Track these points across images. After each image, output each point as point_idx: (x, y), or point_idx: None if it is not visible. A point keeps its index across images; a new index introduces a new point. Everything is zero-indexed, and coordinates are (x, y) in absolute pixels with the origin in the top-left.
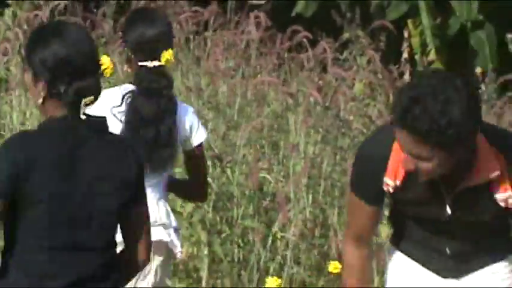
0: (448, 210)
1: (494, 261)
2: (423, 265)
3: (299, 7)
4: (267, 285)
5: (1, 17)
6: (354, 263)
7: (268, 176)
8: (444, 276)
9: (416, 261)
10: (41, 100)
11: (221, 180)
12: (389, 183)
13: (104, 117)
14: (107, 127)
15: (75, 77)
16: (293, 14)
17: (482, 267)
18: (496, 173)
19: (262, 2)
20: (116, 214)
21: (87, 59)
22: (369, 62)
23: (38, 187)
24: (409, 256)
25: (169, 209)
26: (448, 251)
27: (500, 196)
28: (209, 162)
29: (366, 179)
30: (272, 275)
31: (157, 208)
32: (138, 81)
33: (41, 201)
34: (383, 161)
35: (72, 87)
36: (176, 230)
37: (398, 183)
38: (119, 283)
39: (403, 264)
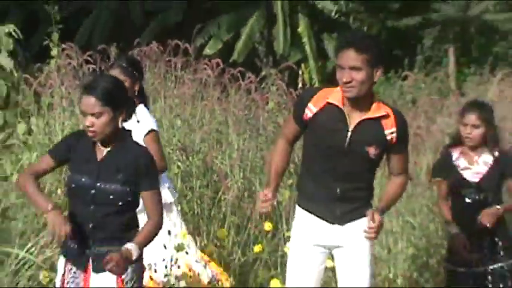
0: (349, 135)
1: (363, 215)
2: (316, 214)
3: (235, 56)
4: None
5: (48, 65)
6: (279, 148)
7: (216, 161)
8: (332, 223)
9: (311, 212)
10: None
11: (186, 163)
12: (312, 108)
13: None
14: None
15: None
16: (230, 60)
17: (356, 217)
18: (385, 113)
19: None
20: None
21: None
22: (278, 88)
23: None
24: (306, 209)
25: None
26: (338, 191)
27: (387, 131)
28: (178, 152)
29: (298, 106)
30: (218, 223)
31: None
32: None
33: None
34: (310, 97)
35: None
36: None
37: (317, 109)
38: None
39: (302, 218)
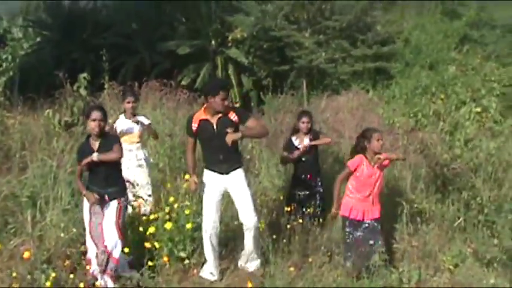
0: (215, 128)
1: (238, 167)
2: (214, 170)
3: (197, 85)
4: None
5: (103, 92)
6: (188, 160)
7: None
8: (222, 173)
9: (212, 170)
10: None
11: (170, 143)
12: (194, 125)
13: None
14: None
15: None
16: (194, 87)
17: (234, 169)
18: (233, 113)
19: (186, 83)
20: None
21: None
22: None
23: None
24: (209, 168)
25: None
26: (220, 156)
27: (232, 116)
28: (168, 137)
29: (187, 127)
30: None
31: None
32: None
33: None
34: (190, 120)
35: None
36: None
37: (197, 125)
38: None
39: (208, 174)
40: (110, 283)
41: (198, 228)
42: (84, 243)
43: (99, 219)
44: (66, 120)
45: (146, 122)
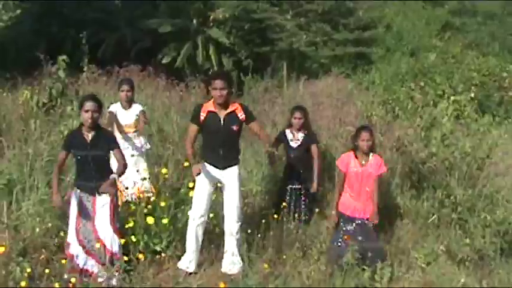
0: (222, 122)
1: (234, 164)
2: (212, 164)
3: (177, 64)
4: None
5: (82, 75)
6: (188, 148)
7: (165, 126)
8: (218, 168)
9: (209, 163)
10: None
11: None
12: (202, 114)
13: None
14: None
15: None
16: (175, 66)
17: (231, 165)
18: (236, 107)
19: (166, 62)
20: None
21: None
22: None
23: None
24: (206, 161)
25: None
26: (221, 152)
27: (239, 114)
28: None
29: (193, 115)
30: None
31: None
32: None
33: None
34: (199, 109)
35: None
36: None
37: (205, 115)
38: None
39: (204, 165)
40: (116, 282)
41: (174, 220)
42: (58, 234)
43: (90, 216)
44: (45, 102)
45: (139, 108)
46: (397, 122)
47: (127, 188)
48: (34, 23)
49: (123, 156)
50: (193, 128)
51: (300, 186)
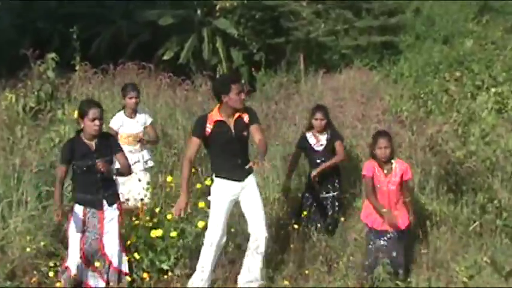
0: (233, 131)
1: (252, 171)
2: (229, 178)
3: (181, 60)
4: None
5: (74, 75)
6: (186, 170)
7: (168, 130)
8: (238, 180)
9: (226, 177)
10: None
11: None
12: (209, 126)
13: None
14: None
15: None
16: (178, 62)
17: (250, 173)
18: (245, 113)
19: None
20: None
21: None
22: (201, 85)
23: None
24: (223, 176)
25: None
26: (239, 161)
27: (245, 118)
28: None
29: (198, 127)
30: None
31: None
32: None
33: None
34: (205, 120)
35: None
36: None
37: (211, 126)
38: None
39: (221, 183)
40: None
41: (182, 235)
42: (53, 255)
43: (96, 233)
44: (32, 106)
45: (149, 120)
46: (431, 118)
47: (127, 200)
48: (15, 18)
49: (127, 159)
50: (196, 142)
51: (328, 195)
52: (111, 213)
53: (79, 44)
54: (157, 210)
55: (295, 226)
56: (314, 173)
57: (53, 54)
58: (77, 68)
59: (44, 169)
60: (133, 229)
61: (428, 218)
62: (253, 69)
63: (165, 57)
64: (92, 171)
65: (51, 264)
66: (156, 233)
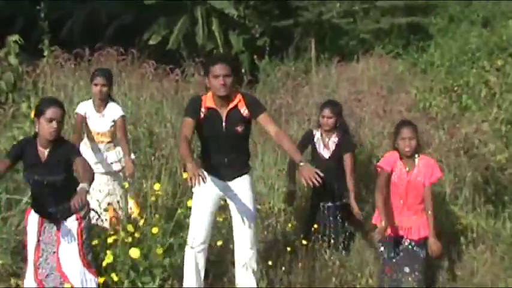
0: (224, 124)
1: (244, 173)
2: (215, 175)
3: (170, 45)
4: None
5: (42, 61)
6: (184, 145)
7: (155, 128)
8: (224, 180)
9: (212, 174)
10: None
11: (133, 134)
12: (203, 110)
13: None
14: None
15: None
16: (167, 48)
17: (240, 175)
18: (238, 99)
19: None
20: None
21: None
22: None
23: None
24: (208, 171)
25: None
26: (226, 160)
27: (242, 109)
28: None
29: (191, 108)
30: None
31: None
32: None
33: None
34: (199, 102)
35: None
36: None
37: (205, 111)
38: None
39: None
40: None
41: (170, 252)
42: (14, 274)
43: (52, 247)
44: None
45: (118, 114)
46: (466, 115)
47: (106, 210)
48: None
49: (88, 164)
50: (189, 122)
51: (334, 204)
52: (69, 223)
53: (48, 25)
54: (141, 223)
55: (304, 242)
56: (357, 213)
57: (15, 37)
58: (46, 53)
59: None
60: (111, 246)
61: (462, 234)
62: (255, 56)
63: (151, 42)
64: (40, 185)
65: (13, 285)
66: (134, 253)
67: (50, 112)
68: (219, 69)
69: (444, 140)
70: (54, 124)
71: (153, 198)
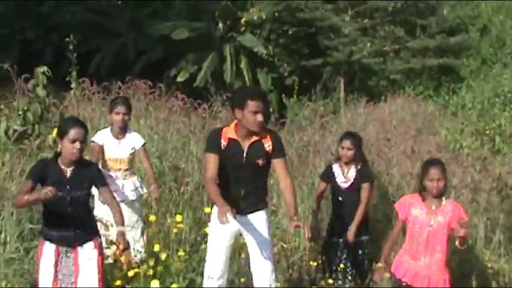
0: (245, 155)
1: (260, 208)
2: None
3: (197, 82)
4: None
5: (69, 93)
6: (212, 187)
7: (180, 163)
8: (240, 214)
9: None
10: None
11: (159, 168)
12: (223, 142)
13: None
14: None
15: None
16: (194, 85)
17: (255, 210)
18: (269, 139)
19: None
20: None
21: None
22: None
23: None
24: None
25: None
26: (242, 192)
27: (266, 144)
28: (156, 159)
29: (212, 142)
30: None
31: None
32: None
33: None
34: (219, 134)
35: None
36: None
37: (225, 143)
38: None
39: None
40: None
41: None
42: None
43: (70, 278)
44: (16, 130)
45: (139, 143)
46: (498, 159)
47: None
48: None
49: (116, 200)
50: (212, 158)
51: (355, 240)
52: (88, 252)
53: (76, 58)
54: (163, 256)
55: (330, 281)
56: (350, 236)
57: (43, 68)
58: (73, 85)
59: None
60: (132, 278)
61: (494, 279)
62: (283, 95)
63: (179, 79)
64: (62, 204)
65: None
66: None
67: (73, 133)
68: (257, 105)
69: (476, 179)
70: (77, 145)
71: (175, 231)
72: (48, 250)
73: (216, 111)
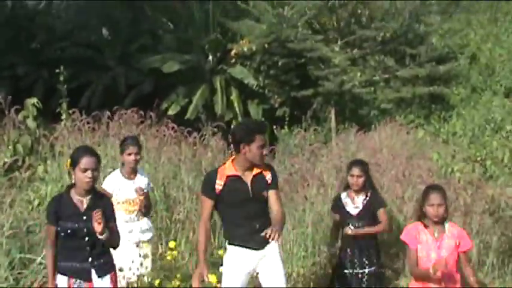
0: (250, 189)
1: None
2: (245, 245)
3: (188, 115)
4: None
5: (60, 125)
6: (202, 235)
7: (172, 192)
8: (257, 249)
9: (242, 245)
10: None
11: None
12: (219, 182)
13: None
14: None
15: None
16: (185, 117)
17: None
18: (268, 172)
19: (173, 113)
20: None
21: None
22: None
23: None
24: (237, 244)
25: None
26: (257, 225)
27: (267, 176)
28: None
29: (207, 185)
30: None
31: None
32: None
33: None
34: (214, 176)
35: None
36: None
37: (223, 183)
38: None
39: (235, 252)
40: None
41: None
42: None
43: None
44: (6, 161)
45: (149, 187)
46: (489, 183)
47: (120, 270)
48: None
49: (118, 233)
50: (208, 204)
51: (364, 271)
52: (102, 284)
53: (67, 92)
54: (156, 282)
55: None
56: (350, 231)
57: (34, 99)
58: (64, 116)
59: (19, 232)
60: None
61: None
62: (274, 126)
63: (170, 112)
64: (78, 235)
65: None
66: None
67: (84, 162)
68: (264, 138)
69: (469, 202)
70: (89, 174)
71: (169, 258)
72: (61, 282)
73: (207, 140)
